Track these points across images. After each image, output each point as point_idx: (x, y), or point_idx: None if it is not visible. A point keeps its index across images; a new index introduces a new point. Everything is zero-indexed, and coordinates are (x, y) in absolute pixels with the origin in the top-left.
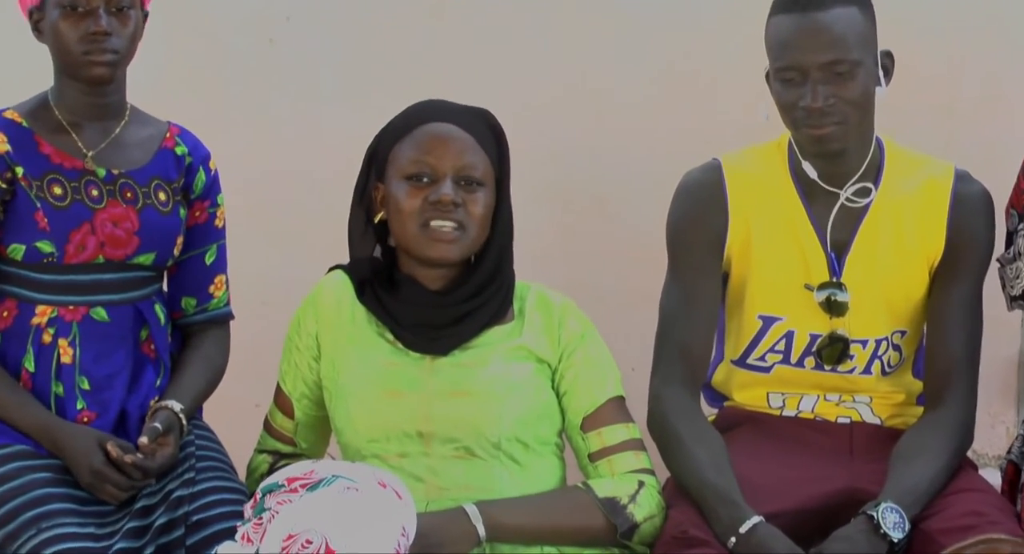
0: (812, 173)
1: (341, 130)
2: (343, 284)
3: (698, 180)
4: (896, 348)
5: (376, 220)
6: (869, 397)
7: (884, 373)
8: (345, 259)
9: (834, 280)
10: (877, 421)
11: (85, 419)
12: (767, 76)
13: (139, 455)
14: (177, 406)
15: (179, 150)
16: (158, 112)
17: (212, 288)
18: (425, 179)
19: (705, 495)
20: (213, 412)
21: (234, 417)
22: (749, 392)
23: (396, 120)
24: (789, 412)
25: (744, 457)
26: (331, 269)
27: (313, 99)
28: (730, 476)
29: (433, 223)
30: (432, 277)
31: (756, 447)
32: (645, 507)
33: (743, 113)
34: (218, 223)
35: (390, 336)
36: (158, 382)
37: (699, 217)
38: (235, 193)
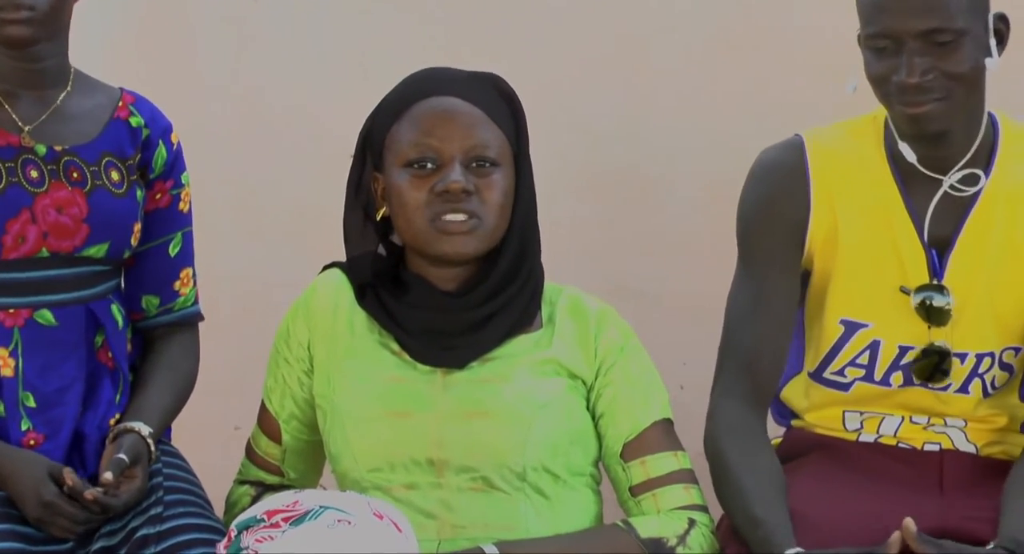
0: (910, 156)
1: (336, 107)
2: (340, 285)
3: (776, 160)
4: (1006, 367)
5: (378, 217)
6: (963, 421)
7: (986, 394)
8: (342, 256)
9: (934, 282)
10: (971, 449)
11: (32, 442)
12: (859, 39)
13: (100, 490)
14: (145, 429)
15: (134, 121)
16: (126, 84)
17: (177, 284)
18: (429, 165)
19: (750, 534)
20: (185, 435)
21: (210, 441)
22: (822, 412)
23: (390, 97)
24: (867, 436)
25: (810, 491)
26: (326, 268)
27: (302, 70)
28: (780, 511)
29: (444, 217)
30: (445, 276)
31: (826, 479)
32: (696, 550)
33: (822, 83)
34: (183, 207)
35: (395, 346)
36: (118, 397)
37: (776, 203)
38: (212, 181)
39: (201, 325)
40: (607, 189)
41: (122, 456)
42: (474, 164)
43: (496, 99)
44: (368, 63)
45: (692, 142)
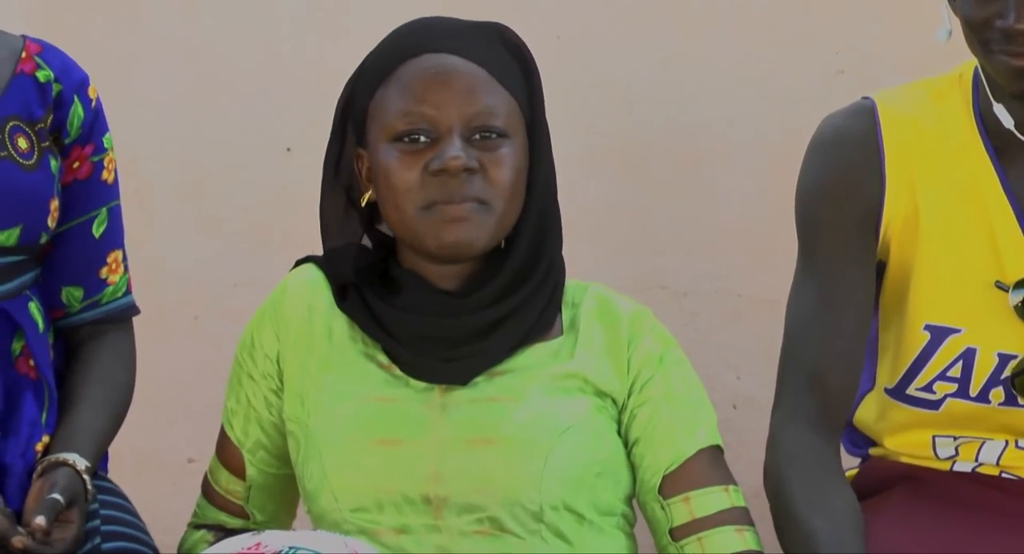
0: (1007, 121)
1: (311, 65)
2: (316, 284)
3: (842, 129)
4: None
5: (363, 202)
6: None
7: None
8: (318, 248)
9: None
10: None
11: None
12: None
13: (30, 539)
14: (81, 463)
15: (42, 75)
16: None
17: (104, 271)
18: (422, 138)
19: None
20: (127, 468)
21: (158, 476)
22: (907, 436)
23: (373, 55)
24: (963, 465)
25: (894, 533)
26: (298, 263)
27: (267, 19)
28: None
29: (441, 203)
30: (444, 273)
31: (913, 518)
32: None
33: (905, 31)
34: (107, 176)
35: (384, 358)
36: (43, 416)
37: (843, 182)
38: (157, 159)
39: (147, 334)
40: (643, 166)
41: (56, 496)
42: (477, 136)
43: (503, 55)
44: (350, 12)
45: (748, 107)
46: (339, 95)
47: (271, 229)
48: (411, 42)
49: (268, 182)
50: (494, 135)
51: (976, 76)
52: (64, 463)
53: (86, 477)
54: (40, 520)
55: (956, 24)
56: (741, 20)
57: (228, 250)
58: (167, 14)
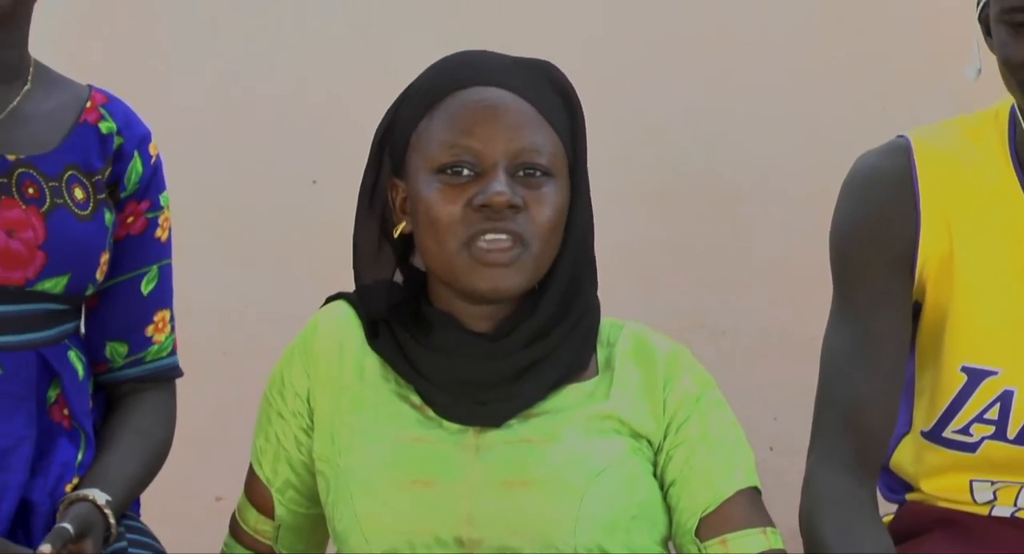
0: None
1: (335, 101)
2: (346, 322)
3: (877, 168)
4: None
5: (396, 233)
6: None
7: None
8: (350, 285)
9: None
10: None
11: None
12: (981, 14)
13: None
14: (101, 497)
15: (105, 127)
16: (76, 73)
17: (151, 330)
18: (466, 171)
19: None
20: (155, 508)
21: (186, 516)
22: (944, 480)
23: (419, 84)
24: (1002, 510)
25: None
26: (329, 300)
27: (294, 51)
28: None
29: (483, 238)
30: (477, 314)
31: None
32: None
33: (947, 68)
34: (160, 235)
35: (416, 399)
36: (80, 457)
37: (878, 223)
38: (183, 191)
39: None
40: (680, 202)
41: (65, 525)
42: (521, 173)
43: (550, 93)
44: (380, 44)
45: (787, 143)
46: (372, 127)
47: (301, 264)
48: (460, 74)
49: (296, 216)
50: (538, 173)
51: (1013, 115)
52: (83, 498)
53: (107, 511)
54: (44, 548)
55: (987, 62)
56: (781, 55)
57: (257, 286)
58: (194, 47)
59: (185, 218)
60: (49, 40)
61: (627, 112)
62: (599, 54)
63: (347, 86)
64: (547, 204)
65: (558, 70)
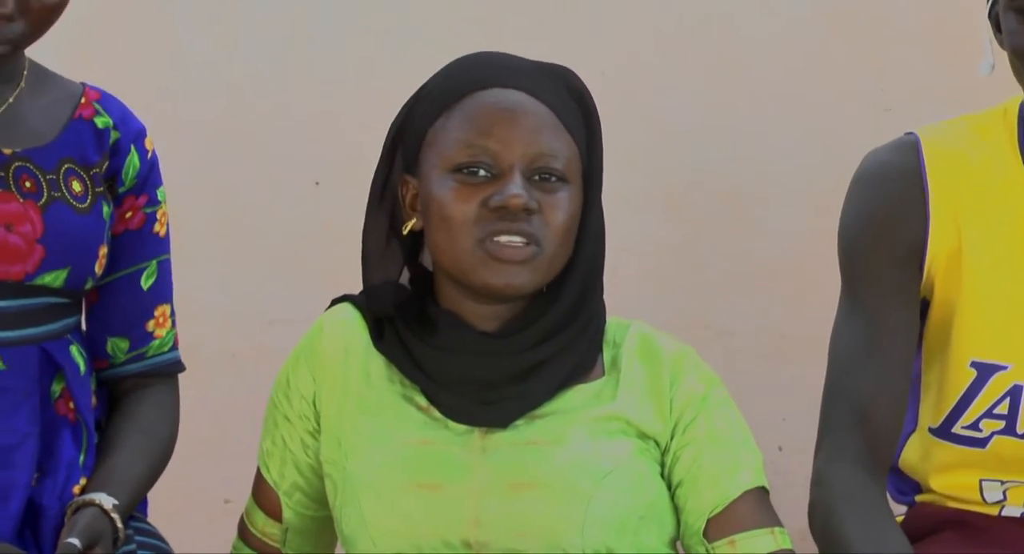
0: None
1: (340, 102)
2: (352, 324)
3: (886, 165)
4: None
5: (405, 230)
6: None
7: None
8: (356, 287)
9: None
10: None
11: None
12: (992, 8)
13: None
14: (108, 502)
15: (100, 121)
16: (73, 73)
17: (151, 325)
18: (482, 172)
19: None
20: (164, 510)
21: (194, 518)
22: (953, 477)
23: (437, 83)
24: (1012, 510)
25: None
26: (335, 302)
27: (302, 58)
28: None
29: (497, 239)
30: (484, 314)
31: None
32: None
33: (953, 67)
34: (159, 229)
35: (423, 400)
36: (82, 457)
37: (887, 219)
38: (191, 193)
39: (183, 373)
40: (686, 203)
41: (72, 540)
42: (537, 177)
43: (568, 99)
44: (387, 48)
45: (793, 144)
46: (376, 129)
47: (308, 265)
48: (481, 74)
49: (303, 217)
50: (554, 178)
51: (1022, 112)
52: (91, 503)
53: (114, 516)
54: None
55: (999, 58)
56: (787, 57)
57: (264, 287)
58: (203, 50)
59: (193, 220)
60: (53, 48)
61: (634, 117)
62: (608, 59)
63: (353, 87)
64: (561, 209)
65: (576, 76)
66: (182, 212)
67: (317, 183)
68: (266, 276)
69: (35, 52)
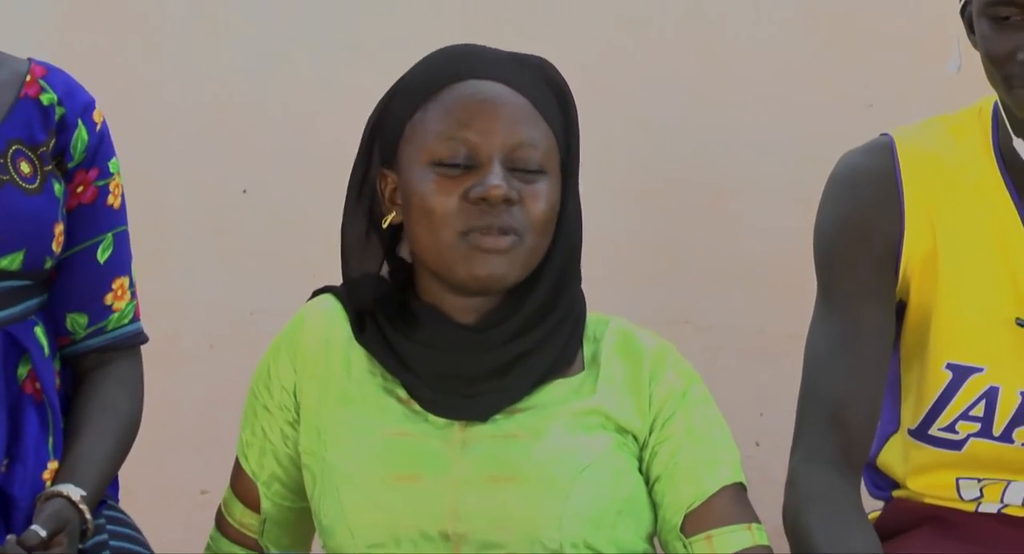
0: None
1: (329, 94)
2: (333, 315)
3: (860, 167)
4: None
5: (385, 224)
6: None
7: None
8: (337, 278)
9: None
10: None
11: None
12: (964, 8)
13: None
14: (76, 493)
15: (45, 98)
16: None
17: (109, 298)
18: (462, 164)
19: None
20: (139, 500)
21: (170, 509)
22: (930, 477)
23: (414, 76)
24: (989, 506)
25: None
26: (316, 293)
27: (283, 49)
28: None
29: (480, 232)
30: (464, 307)
31: None
32: None
33: (935, 65)
34: (112, 201)
35: (403, 393)
36: (51, 439)
37: (862, 222)
38: (173, 184)
39: (162, 364)
40: (666, 198)
41: (35, 528)
42: (516, 167)
43: (545, 90)
44: (367, 39)
45: (774, 140)
46: (352, 127)
47: (289, 256)
48: (457, 66)
49: (284, 209)
50: (533, 170)
51: (996, 111)
52: (58, 495)
53: (82, 507)
54: (9, 547)
55: (969, 58)
56: (768, 52)
57: (245, 278)
58: (186, 41)
59: (174, 212)
60: (36, 39)
61: (614, 111)
62: (588, 53)
63: (341, 78)
64: (541, 199)
65: (552, 66)
66: (163, 203)
67: (299, 175)
68: (247, 267)
69: (15, 43)
